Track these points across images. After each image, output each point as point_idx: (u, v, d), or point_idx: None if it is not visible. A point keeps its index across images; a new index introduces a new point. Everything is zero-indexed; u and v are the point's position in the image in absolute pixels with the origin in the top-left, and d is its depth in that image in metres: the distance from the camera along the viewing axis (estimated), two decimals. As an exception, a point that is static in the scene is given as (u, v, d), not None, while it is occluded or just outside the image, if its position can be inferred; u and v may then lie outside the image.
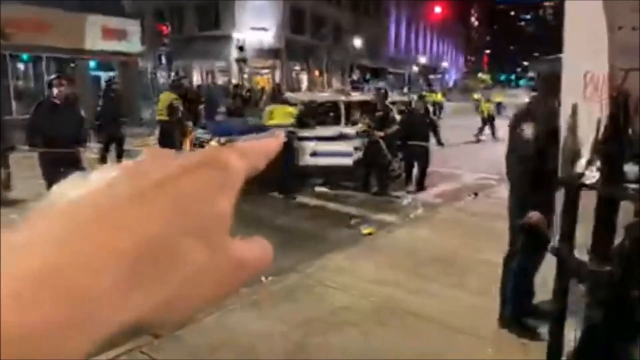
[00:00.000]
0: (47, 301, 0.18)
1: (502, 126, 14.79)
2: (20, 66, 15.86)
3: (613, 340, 1.31)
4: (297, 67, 30.91)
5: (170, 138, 8.46)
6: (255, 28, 26.14)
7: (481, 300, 3.52)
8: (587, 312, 1.31)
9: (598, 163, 1.23)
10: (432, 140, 7.92)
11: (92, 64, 16.64)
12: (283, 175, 6.50)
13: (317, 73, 32.44)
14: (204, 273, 0.22)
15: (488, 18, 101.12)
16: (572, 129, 1.29)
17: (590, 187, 1.27)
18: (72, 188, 0.22)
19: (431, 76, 47.41)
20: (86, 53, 15.76)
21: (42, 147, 5.38)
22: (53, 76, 6.00)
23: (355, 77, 32.99)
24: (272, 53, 27.76)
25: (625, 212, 1.29)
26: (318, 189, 7.54)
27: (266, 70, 28.70)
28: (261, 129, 7.12)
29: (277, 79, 27.88)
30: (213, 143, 7.23)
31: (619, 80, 1.14)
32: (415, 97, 11.33)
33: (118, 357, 2.82)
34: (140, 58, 18.76)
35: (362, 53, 35.13)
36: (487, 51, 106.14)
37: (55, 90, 5.33)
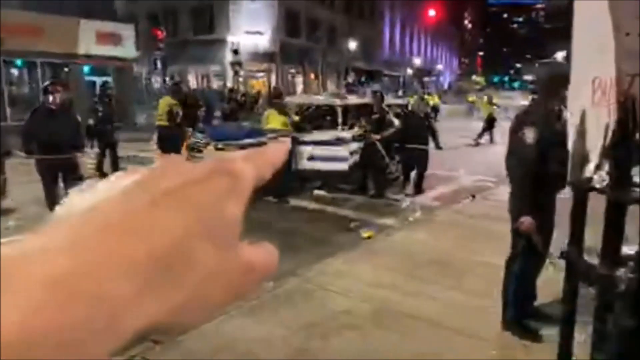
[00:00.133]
0: (63, 308, 0.18)
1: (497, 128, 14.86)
2: (14, 72, 15.79)
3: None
4: (292, 70, 30.95)
5: (169, 143, 8.45)
6: (250, 32, 26.16)
7: (480, 302, 3.53)
8: (597, 315, 1.32)
9: (607, 167, 1.23)
10: (431, 143, 7.95)
11: (86, 69, 16.59)
12: (280, 180, 6.48)
13: (312, 76, 32.50)
14: (215, 278, 0.22)
15: (481, 21, 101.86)
16: (581, 133, 1.30)
17: (600, 191, 1.27)
18: (86, 196, 0.23)
19: (426, 78, 47.66)
20: (80, 58, 15.71)
21: (39, 153, 5.35)
22: (48, 82, 5.97)
23: (350, 79, 33.10)
24: (267, 56, 27.79)
25: (631, 216, 1.29)
26: (316, 192, 7.54)
27: (261, 74, 28.72)
28: (258, 133, 7.11)
29: (273, 82, 27.89)
30: (210, 147, 7.23)
31: (626, 86, 1.15)
32: (411, 99, 11.37)
33: (119, 365, 2.79)
34: (135, 63, 18.72)
35: (357, 56, 35.25)
36: (481, 53, 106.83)
37: (50, 96, 5.30)
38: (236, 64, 24.43)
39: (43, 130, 5.27)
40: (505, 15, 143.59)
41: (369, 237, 5.36)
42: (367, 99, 8.69)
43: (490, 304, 3.33)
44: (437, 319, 3.35)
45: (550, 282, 3.49)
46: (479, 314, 3.37)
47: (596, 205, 1.40)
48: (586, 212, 1.38)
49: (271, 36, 27.64)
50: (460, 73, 76.25)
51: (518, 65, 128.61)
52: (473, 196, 7.08)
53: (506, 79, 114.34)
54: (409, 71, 47.27)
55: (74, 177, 5.26)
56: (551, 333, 3.03)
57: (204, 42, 26.41)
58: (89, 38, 15.70)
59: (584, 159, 1.28)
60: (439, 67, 59.84)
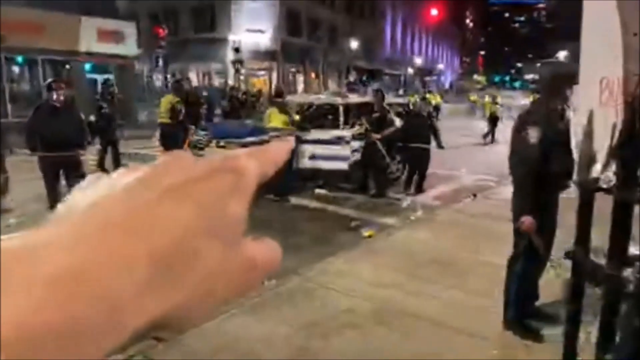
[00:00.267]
0: (64, 306, 0.18)
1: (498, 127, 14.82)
2: (15, 69, 15.79)
3: None
4: (293, 69, 30.93)
5: (171, 140, 8.47)
6: (251, 30, 26.14)
7: (481, 301, 3.53)
8: (603, 315, 1.32)
9: (614, 167, 1.23)
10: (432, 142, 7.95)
11: (87, 66, 16.58)
12: (280, 178, 6.49)
13: (313, 75, 32.47)
14: (218, 275, 0.22)
15: (482, 20, 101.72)
16: (588, 133, 1.30)
17: (606, 191, 1.27)
18: (90, 192, 0.22)
19: (427, 78, 47.62)
20: (82, 55, 15.70)
21: (42, 150, 5.36)
22: (51, 79, 5.97)
23: (351, 78, 33.08)
24: (268, 55, 27.77)
25: (636, 216, 1.29)
26: (317, 191, 7.54)
27: (263, 72, 28.69)
28: (261, 131, 7.11)
29: (274, 80, 27.88)
30: (212, 145, 7.23)
31: (634, 86, 1.15)
32: (412, 98, 11.33)
33: (120, 362, 2.79)
34: (137, 61, 18.71)
35: (358, 55, 35.22)
36: (482, 53, 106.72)
37: (54, 94, 5.30)
38: (237, 62, 24.42)
39: (46, 127, 5.27)
40: (506, 15, 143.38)
41: (370, 237, 5.36)
42: (368, 98, 8.67)
43: (492, 304, 3.33)
44: (438, 319, 3.35)
45: (551, 282, 3.49)
46: (481, 314, 3.37)
47: (602, 205, 1.39)
48: (592, 212, 1.38)
49: (272, 35, 27.62)
50: (461, 72, 76.18)
51: (519, 64, 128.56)
52: (474, 195, 7.08)
53: (507, 78, 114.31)
54: (410, 70, 47.21)
55: (76, 174, 5.27)
56: (552, 333, 3.03)
57: (206, 41, 26.39)
58: (90, 36, 15.69)
59: (591, 159, 1.28)
60: (440, 66, 59.77)
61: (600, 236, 1.43)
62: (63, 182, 5.55)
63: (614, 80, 1.20)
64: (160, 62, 21.72)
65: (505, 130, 8.11)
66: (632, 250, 1.31)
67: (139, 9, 24.13)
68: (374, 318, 3.41)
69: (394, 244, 4.98)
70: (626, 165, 1.19)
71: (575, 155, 1.60)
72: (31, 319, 0.17)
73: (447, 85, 57.19)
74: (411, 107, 9.25)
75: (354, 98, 9.10)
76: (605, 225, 1.34)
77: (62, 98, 5.34)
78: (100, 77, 16.91)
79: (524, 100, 21.13)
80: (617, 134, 1.20)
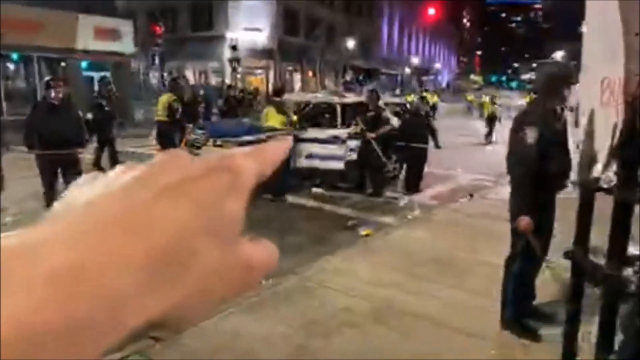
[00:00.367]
0: (65, 304, 0.18)
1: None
2: (10, 66, 15.69)
3: None
4: (290, 68, 30.90)
5: (168, 139, 8.46)
6: (248, 28, 26.08)
7: (479, 301, 3.54)
8: (603, 315, 1.32)
9: (614, 167, 1.24)
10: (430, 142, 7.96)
11: (83, 64, 16.50)
12: (278, 178, 6.48)
13: (310, 74, 32.44)
14: (215, 274, 0.22)
15: (479, 20, 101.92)
16: (589, 134, 1.30)
17: (607, 191, 1.28)
18: (87, 190, 0.22)
19: (424, 77, 47.68)
20: (78, 53, 15.62)
21: (40, 148, 5.33)
22: (49, 77, 5.95)
23: (348, 78, 33.07)
24: (265, 53, 27.71)
25: (635, 216, 1.29)
26: (314, 190, 7.54)
27: (260, 71, 28.64)
28: (258, 130, 7.10)
29: (271, 79, 27.84)
30: (209, 144, 7.21)
31: (635, 86, 1.16)
32: (409, 98, 11.33)
33: (117, 362, 2.78)
34: (133, 58, 18.64)
35: (355, 54, 35.20)
36: (479, 52, 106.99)
37: (52, 91, 5.28)
38: (234, 61, 24.35)
39: (45, 125, 5.25)
40: (503, 15, 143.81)
41: (367, 235, 5.36)
42: (364, 98, 8.67)
43: (490, 303, 3.34)
44: (436, 318, 3.36)
45: (548, 282, 3.51)
46: (478, 313, 3.38)
47: (601, 205, 1.40)
48: (593, 212, 1.38)
49: (270, 33, 27.57)
50: (458, 72, 76.32)
51: (516, 64, 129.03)
52: (471, 195, 7.09)
53: (504, 78, 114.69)
54: (407, 70, 47.24)
55: (74, 172, 5.25)
56: (550, 332, 3.05)
57: (203, 39, 26.31)
58: (87, 33, 15.61)
59: (592, 159, 1.28)
60: (437, 65, 59.84)
61: (599, 236, 1.44)
62: (60, 180, 5.52)
63: (615, 80, 1.20)
64: (157, 60, 21.64)
65: (503, 130, 8.13)
66: (632, 250, 1.32)
67: (136, 7, 24.03)
68: (372, 317, 3.42)
69: (392, 243, 4.99)
70: (627, 165, 1.20)
71: (578, 155, 1.60)
72: (31, 318, 0.17)
73: (444, 85, 57.29)
74: (408, 106, 9.26)
75: (351, 97, 9.10)
76: (604, 225, 1.35)
77: (60, 96, 5.32)
78: (96, 75, 16.79)
79: (521, 101, 21.18)
80: (617, 134, 1.21)
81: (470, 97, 29.97)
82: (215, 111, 16.57)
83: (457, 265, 4.34)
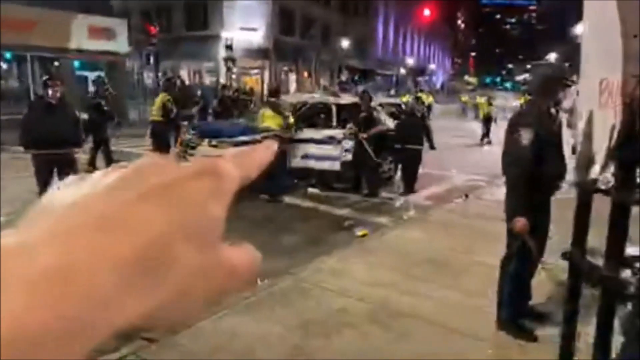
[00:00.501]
0: (55, 303, 0.18)
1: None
2: (4, 65, 15.57)
3: None
4: (286, 68, 30.87)
5: (162, 138, 8.50)
6: (244, 28, 26.02)
7: (475, 301, 3.55)
8: (600, 316, 1.33)
9: (612, 169, 1.24)
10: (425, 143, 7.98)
11: (77, 63, 16.40)
12: (273, 178, 6.46)
13: (305, 74, 32.43)
14: (197, 278, 0.22)
15: (474, 21, 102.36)
16: (588, 135, 1.31)
17: (605, 192, 1.28)
18: (70, 191, 0.23)
19: (419, 78, 47.79)
20: (72, 52, 15.52)
21: (36, 148, 5.29)
22: (46, 77, 5.91)
23: (343, 78, 33.10)
24: (260, 53, 27.66)
25: (633, 218, 1.30)
26: (310, 190, 7.53)
27: (255, 71, 28.58)
28: (253, 131, 7.08)
29: (266, 79, 27.79)
30: (204, 144, 7.19)
31: (633, 87, 1.16)
32: (404, 98, 11.33)
33: (113, 363, 2.77)
34: (127, 58, 18.54)
35: (350, 54, 35.24)
36: (473, 54, 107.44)
37: (50, 91, 5.24)
38: (229, 60, 24.28)
39: (42, 124, 5.21)
40: (498, 16, 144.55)
41: (363, 236, 5.37)
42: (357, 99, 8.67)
43: (486, 304, 3.35)
44: (432, 318, 3.37)
45: (544, 283, 3.53)
46: (475, 313, 3.39)
47: (598, 207, 1.41)
48: (590, 213, 1.39)
49: (265, 33, 27.52)
50: (453, 73, 76.62)
51: (510, 65, 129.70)
52: (466, 196, 7.12)
53: (498, 79, 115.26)
54: (402, 70, 47.36)
55: (70, 172, 5.21)
56: (546, 333, 3.06)
57: (198, 38, 26.22)
58: (81, 33, 15.52)
59: (589, 161, 1.29)
60: (432, 66, 60.03)
61: (596, 237, 1.45)
62: (56, 179, 5.49)
63: (614, 81, 1.21)
64: (151, 60, 21.54)
65: (498, 131, 8.17)
66: (629, 251, 1.33)
67: (131, 6, 23.91)
68: (369, 317, 3.42)
69: (388, 244, 5.00)
70: (624, 167, 1.21)
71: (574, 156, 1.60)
72: (27, 318, 0.18)
73: (438, 86, 57.48)
74: (403, 107, 9.28)
75: (346, 98, 9.11)
76: (601, 226, 1.36)
77: (58, 95, 5.29)
78: (90, 74, 16.72)
79: (516, 102, 21.30)
80: (615, 135, 1.22)
81: (465, 98, 30.08)
82: (211, 112, 16.51)
83: (452, 265, 4.35)
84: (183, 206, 0.22)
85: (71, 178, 0.24)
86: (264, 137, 6.59)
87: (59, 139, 5.22)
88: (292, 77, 31.40)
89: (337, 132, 7.65)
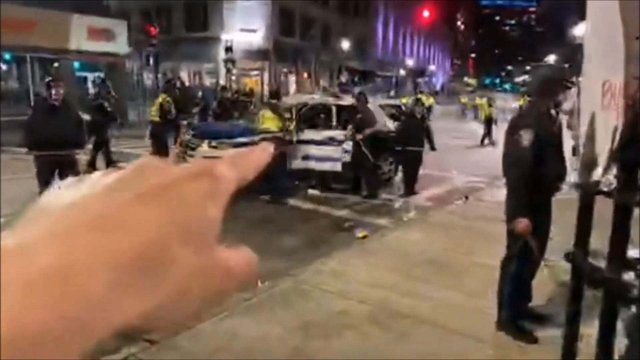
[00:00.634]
0: (44, 304, 0.18)
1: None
2: (3, 66, 15.57)
3: None
4: (285, 69, 30.88)
5: (160, 139, 8.54)
6: (244, 29, 26.03)
7: (475, 302, 3.55)
8: (603, 318, 1.33)
9: (615, 170, 1.24)
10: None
11: (76, 64, 16.40)
12: (273, 180, 6.46)
13: (305, 75, 32.44)
14: (194, 278, 0.22)
15: (474, 22, 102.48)
16: (590, 137, 1.31)
17: (607, 194, 1.28)
18: (69, 191, 0.23)
19: (419, 79, 47.82)
20: (71, 53, 15.52)
21: (39, 149, 5.30)
22: (50, 78, 5.92)
23: (343, 79, 33.11)
24: (260, 54, 27.66)
25: (635, 220, 1.30)
26: (310, 191, 7.53)
27: (255, 72, 28.59)
28: (252, 132, 7.09)
29: (266, 80, 27.80)
30: (204, 145, 7.19)
31: (635, 89, 1.16)
32: (404, 100, 11.32)
33: (113, 365, 2.76)
34: (127, 59, 18.54)
35: (350, 55, 35.26)
36: (473, 55, 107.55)
37: (53, 92, 5.25)
38: (229, 62, 24.29)
39: (46, 125, 5.21)
40: (497, 18, 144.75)
41: (363, 237, 5.36)
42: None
43: (486, 305, 3.35)
44: (432, 319, 3.36)
45: (544, 284, 3.53)
46: (475, 315, 3.39)
47: (600, 209, 1.41)
48: (593, 215, 1.39)
49: (265, 34, 27.54)
50: (452, 74, 76.69)
51: (509, 67, 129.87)
52: (466, 197, 7.12)
53: (497, 80, 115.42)
54: (402, 72, 47.39)
55: (71, 173, 5.22)
56: (546, 334, 3.06)
57: (198, 40, 26.23)
58: (80, 33, 15.51)
59: (592, 162, 1.29)
60: (432, 67, 60.09)
61: (598, 239, 1.45)
62: (57, 180, 5.49)
63: (616, 83, 1.21)
64: (151, 61, 21.53)
65: (499, 132, 8.17)
66: (631, 253, 1.33)
67: (130, 7, 23.91)
68: (369, 319, 3.41)
69: (388, 245, 5.00)
70: (627, 169, 1.21)
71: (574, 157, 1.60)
72: (28, 318, 0.18)
73: (438, 87, 57.52)
74: (403, 108, 9.29)
75: (347, 99, 9.11)
76: (603, 228, 1.35)
77: (61, 96, 5.30)
78: (90, 75, 16.74)
79: (515, 103, 21.27)
80: (618, 137, 1.22)
81: (464, 99, 30.10)
82: (211, 113, 16.50)
83: (453, 267, 4.35)
84: (181, 207, 0.22)
85: (70, 179, 0.24)
86: (264, 138, 6.59)
87: (62, 140, 5.23)
88: (292, 78, 31.40)
89: (338, 133, 7.65)
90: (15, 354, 0.17)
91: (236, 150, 0.27)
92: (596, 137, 1.31)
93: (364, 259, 4.55)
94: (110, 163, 8.17)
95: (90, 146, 8.29)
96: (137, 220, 0.21)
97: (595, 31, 1.36)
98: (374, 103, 8.57)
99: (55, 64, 15.65)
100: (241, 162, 0.26)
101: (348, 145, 7.54)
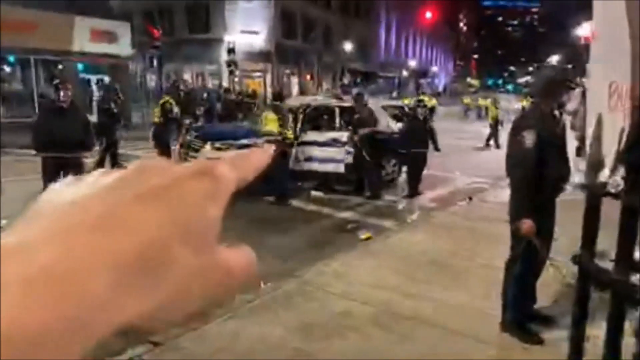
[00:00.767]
0: (44, 303, 0.18)
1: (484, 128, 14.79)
2: (6, 68, 15.64)
3: None
4: (288, 71, 30.90)
5: (162, 139, 8.61)
6: (245, 31, 26.08)
7: (479, 303, 3.54)
8: (610, 320, 1.32)
9: (622, 172, 1.24)
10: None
11: (80, 66, 16.45)
12: (275, 181, 6.46)
13: (307, 77, 32.45)
14: (194, 278, 0.22)
15: (476, 23, 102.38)
16: (597, 138, 1.31)
17: (614, 195, 1.28)
18: (69, 190, 0.23)
19: (421, 80, 47.79)
20: (74, 55, 15.57)
21: (46, 151, 5.31)
22: (57, 80, 5.95)
23: (345, 81, 33.11)
24: (262, 56, 27.70)
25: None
26: (313, 193, 7.53)
27: (257, 74, 28.63)
28: (255, 134, 7.09)
29: (268, 82, 27.83)
30: (207, 147, 7.20)
31: (641, 91, 1.16)
32: (406, 101, 11.30)
33: (117, 366, 2.77)
34: (130, 61, 18.59)
35: (352, 57, 35.26)
36: (475, 56, 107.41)
37: (62, 94, 5.27)
38: (231, 63, 24.35)
39: (54, 127, 5.23)
40: (500, 19, 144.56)
41: (367, 239, 5.35)
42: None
43: (490, 306, 3.34)
44: (436, 321, 3.35)
45: (548, 285, 3.51)
46: (478, 316, 3.38)
47: (607, 210, 1.40)
48: (600, 216, 1.39)
49: (267, 36, 27.57)
50: (455, 75, 76.60)
51: (512, 68, 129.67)
52: (470, 198, 7.10)
53: (500, 81, 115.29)
54: (405, 73, 47.36)
55: (77, 175, 5.24)
56: (551, 335, 3.05)
57: (200, 41, 26.29)
58: (83, 35, 15.57)
59: (599, 164, 1.29)
60: (434, 69, 60.04)
61: (605, 241, 1.44)
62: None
63: (623, 84, 1.20)
64: (155, 63, 21.59)
65: (503, 133, 8.15)
66: (638, 255, 1.32)
67: (133, 8, 24.00)
68: (372, 320, 3.41)
69: (391, 246, 4.99)
70: (634, 170, 1.20)
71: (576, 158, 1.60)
72: (29, 318, 0.18)
73: (440, 88, 57.49)
74: (407, 109, 9.28)
75: (349, 100, 9.11)
76: (609, 229, 1.35)
77: (69, 98, 5.32)
78: (93, 77, 16.80)
79: (517, 104, 21.22)
80: (625, 138, 1.21)
81: (467, 100, 30.05)
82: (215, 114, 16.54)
83: (456, 268, 4.34)
84: (181, 207, 0.22)
85: (70, 178, 0.24)
86: (267, 140, 6.60)
87: (70, 142, 5.25)
88: (294, 80, 31.43)
89: (341, 135, 7.65)
90: (15, 354, 0.17)
91: (236, 152, 0.27)
92: (603, 139, 1.31)
93: (367, 260, 4.54)
94: (115, 165, 8.21)
95: (97, 148, 8.36)
96: (138, 219, 0.21)
97: (602, 32, 1.36)
98: (376, 104, 8.56)
99: (60, 66, 15.71)
100: (241, 163, 0.26)
101: (350, 147, 7.55)
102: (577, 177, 3.13)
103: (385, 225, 6.02)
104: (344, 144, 7.57)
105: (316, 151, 7.61)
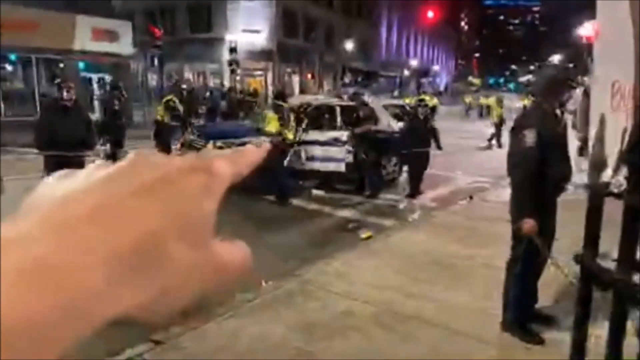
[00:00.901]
0: (40, 294, 0.18)
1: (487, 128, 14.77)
2: (8, 67, 15.67)
3: None
4: (289, 70, 30.90)
5: (162, 137, 8.65)
6: (247, 30, 26.08)
7: (480, 303, 3.54)
8: (613, 320, 1.32)
9: (624, 172, 1.24)
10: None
11: (81, 65, 16.47)
12: (275, 179, 6.46)
13: (309, 76, 32.44)
14: (189, 271, 0.23)
15: (477, 22, 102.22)
16: (600, 138, 1.30)
17: (617, 195, 1.28)
18: (65, 183, 0.23)
19: (422, 79, 47.74)
20: (75, 54, 15.59)
21: (48, 149, 5.32)
22: (59, 79, 5.97)
23: (347, 80, 33.10)
24: (264, 55, 27.71)
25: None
26: (315, 192, 7.53)
27: (259, 73, 28.63)
28: (256, 133, 7.10)
29: (270, 81, 27.84)
30: (209, 146, 7.20)
31: (644, 90, 1.16)
32: (407, 100, 11.30)
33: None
34: (132, 60, 18.61)
35: (353, 56, 35.24)
36: (477, 55, 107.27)
37: (65, 93, 5.29)
38: (233, 63, 24.35)
39: (57, 126, 5.24)
40: (501, 18, 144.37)
41: (367, 238, 5.35)
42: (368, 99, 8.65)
43: (491, 306, 3.34)
44: (437, 320, 3.35)
45: (550, 285, 3.51)
46: (480, 316, 3.37)
47: (609, 210, 1.40)
48: (602, 216, 1.38)
49: (268, 35, 27.57)
50: (456, 74, 76.52)
51: (513, 67, 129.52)
52: (471, 197, 7.10)
53: (502, 80, 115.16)
54: (406, 72, 47.32)
55: None
56: (552, 336, 3.04)
57: (202, 41, 26.31)
58: (85, 34, 15.59)
59: (602, 164, 1.28)
60: (436, 68, 59.97)
61: (607, 240, 1.44)
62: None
63: (626, 84, 1.20)
64: (156, 62, 21.60)
65: (505, 132, 8.13)
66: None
67: (135, 8, 24.02)
68: (373, 320, 3.41)
69: (392, 246, 4.98)
70: (636, 170, 1.20)
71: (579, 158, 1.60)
72: (21, 308, 0.18)
73: (442, 87, 57.43)
74: (408, 109, 9.28)
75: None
76: (611, 229, 1.34)
77: (73, 97, 5.34)
78: (95, 76, 16.83)
79: (519, 103, 21.19)
80: (627, 138, 1.21)
81: (469, 99, 30.02)
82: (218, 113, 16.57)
83: (458, 267, 4.34)
84: (176, 200, 0.22)
85: (65, 171, 0.24)
86: (267, 141, 6.60)
87: (73, 141, 5.26)
88: (296, 79, 31.43)
89: (342, 134, 7.65)
90: (11, 343, 0.18)
91: (232, 149, 0.28)
92: (606, 139, 1.30)
93: (368, 259, 4.54)
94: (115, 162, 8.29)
95: (98, 147, 8.38)
96: (133, 212, 0.21)
97: (605, 32, 1.35)
98: (377, 103, 8.56)
99: (61, 65, 15.73)
100: (236, 158, 0.27)
101: (351, 146, 7.54)
102: (579, 177, 3.12)
103: (387, 224, 6.02)
104: (345, 143, 7.57)
105: (317, 150, 7.61)
